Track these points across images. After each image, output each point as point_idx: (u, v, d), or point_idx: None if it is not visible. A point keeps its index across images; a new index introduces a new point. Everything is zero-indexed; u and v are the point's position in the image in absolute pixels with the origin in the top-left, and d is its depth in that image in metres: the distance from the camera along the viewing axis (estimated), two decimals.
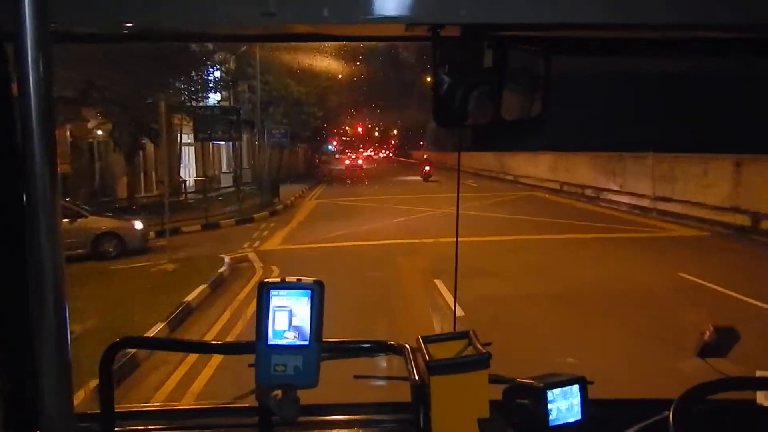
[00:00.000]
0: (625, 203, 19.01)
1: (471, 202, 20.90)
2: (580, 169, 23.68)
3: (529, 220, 16.70)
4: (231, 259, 11.45)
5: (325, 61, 33.75)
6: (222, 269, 10.50)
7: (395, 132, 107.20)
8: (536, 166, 28.88)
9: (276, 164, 40.82)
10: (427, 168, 35.39)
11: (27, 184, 0.66)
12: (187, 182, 28.84)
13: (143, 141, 20.52)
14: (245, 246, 13.44)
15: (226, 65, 27.54)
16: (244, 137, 36.27)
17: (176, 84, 21.44)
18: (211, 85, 24.59)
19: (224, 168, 34.71)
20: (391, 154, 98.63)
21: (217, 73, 25.38)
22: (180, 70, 20.95)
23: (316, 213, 20.26)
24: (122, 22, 1.05)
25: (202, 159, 29.73)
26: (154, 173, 26.27)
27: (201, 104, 24.19)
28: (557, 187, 25.07)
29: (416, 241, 13.21)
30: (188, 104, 23.29)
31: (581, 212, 18.78)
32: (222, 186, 30.72)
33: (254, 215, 19.22)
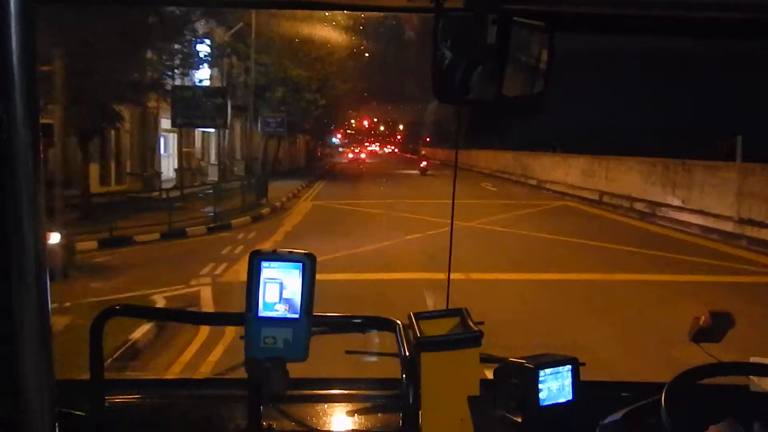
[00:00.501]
0: (694, 224, 15.09)
1: (497, 213, 17.07)
2: (626, 177, 19.82)
3: (582, 245, 12.81)
4: (168, 299, 7.65)
5: (329, 45, 29.93)
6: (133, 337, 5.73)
7: (401, 127, 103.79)
8: (566, 171, 25.01)
9: (272, 156, 37.09)
10: (424, 163, 37.95)
11: (7, 153, 0.63)
12: (165, 174, 25.12)
13: (103, 125, 16.69)
14: (204, 271, 9.61)
15: (215, 38, 23.74)
16: (237, 124, 32.51)
17: (148, 56, 17.60)
18: (194, 60, 20.69)
19: (214, 159, 30.89)
20: (396, 150, 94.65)
21: (202, 47, 21.48)
22: (154, 39, 17.12)
23: (309, 221, 16.39)
24: None
25: (186, 148, 25.90)
26: (128, 163, 22.48)
27: (181, 83, 20.40)
28: (595, 197, 21.18)
29: (447, 276, 9.32)
30: (165, 82, 19.45)
31: (643, 235, 14.87)
32: (209, 180, 26.98)
33: (232, 221, 15.40)
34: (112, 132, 20.38)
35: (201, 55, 21.28)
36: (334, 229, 14.10)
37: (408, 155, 79.82)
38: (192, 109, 19.26)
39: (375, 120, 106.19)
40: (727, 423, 1.24)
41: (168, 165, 25.94)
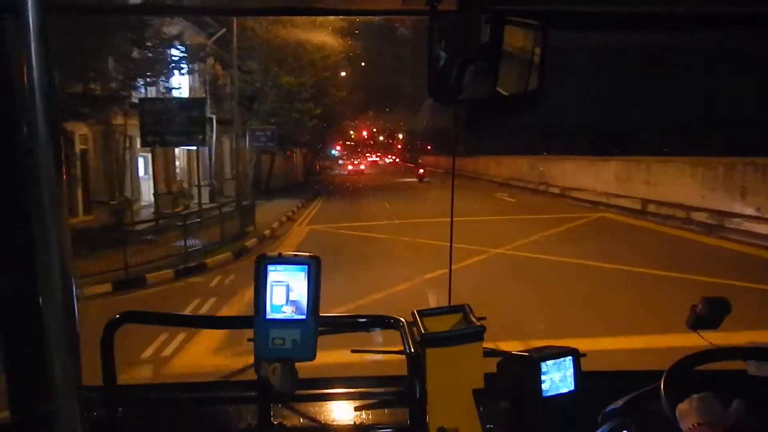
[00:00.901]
0: None
1: (530, 233, 14.04)
2: (673, 182, 16.75)
3: (672, 279, 9.58)
4: None
5: (321, 49, 26.98)
6: None
7: (401, 136, 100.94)
8: (595, 176, 21.97)
9: (266, 173, 34.12)
10: (421, 171, 41.21)
11: (31, 159, 0.64)
12: (147, 199, 22.16)
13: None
14: (147, 353, 6.56)
15: (192, 41, 20.83)
16: (226, 140, 29.54)
17: (104, 63, 14.70)
18: (164, 67, 17.75)
19: (203, 179, 27.93)
20: (397, 160, 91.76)
21: (176, 51, 18.55)
22: (111, 42, 14.22)
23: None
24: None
25: (164, 169, 22.92)
26: (99, 190, 19.51)
27: (153, 95, 17.48)
28: (635, 205, 18.10)
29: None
30: (129, 94, 16.52)
31: (728, 258, 11.72)
32: (196, 203, 24.06)
33: (209, 259, 12.36)
34: (77, 154, 17.47)
35: (174, 60, 18.26)
36: (332, 265, 11.03)
37: (410, 164, 77.09)
38: (164, 124, 16.24)
39: (374, 130, 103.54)
40: (705, 396, 1.23)
41: (149, 189, 22.99)
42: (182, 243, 12.67)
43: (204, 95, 23.37)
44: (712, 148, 17.58)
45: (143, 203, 22.06)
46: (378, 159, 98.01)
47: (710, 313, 1.48)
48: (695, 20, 1.22)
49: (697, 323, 1.49)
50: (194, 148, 27.25)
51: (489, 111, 1.23)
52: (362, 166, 64.04)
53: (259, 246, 14.47)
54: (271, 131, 23.24)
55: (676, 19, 1.23)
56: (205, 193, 25.14)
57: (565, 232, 14.72)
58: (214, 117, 26.44)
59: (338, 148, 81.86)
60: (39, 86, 0.64)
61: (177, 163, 26.85)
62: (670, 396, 1.23)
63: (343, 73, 35.96)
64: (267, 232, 16.24)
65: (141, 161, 23.23)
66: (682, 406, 1.23)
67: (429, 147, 78.39)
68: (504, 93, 1.08)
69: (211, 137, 26.85)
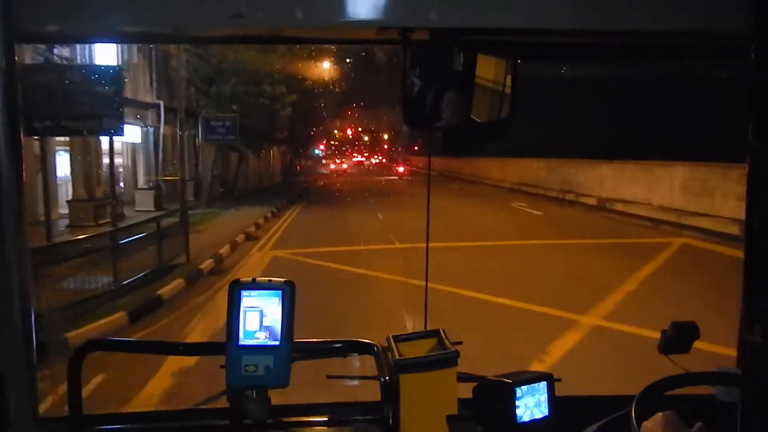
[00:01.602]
0: None
1: (613, 271, 8.85)
2: None
3: None
4: None
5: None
6: None
7: (386, 136, 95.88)
8: (650, 185, 16.80)
9: (233, 173, 28.60)
10: (401, 169, 45.10)
11: None
12: (64, 209, 16.62)
13: None
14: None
15: None
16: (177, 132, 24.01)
17: None
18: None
19: (143, 181, 22.32)
20: (384, 160, 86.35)
21: None
22: None
23: None
24: (87, 24, 1.01)
25: (86, 168, 17.25)
26: None
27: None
28: (730, 229, 12.67)
29: None
30: None
31: None
32: (138, 211, 18.56)
33: (79, 328, 6.89)
34: None
35: None
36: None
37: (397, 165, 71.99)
38: (61, 104, 10.79)
39: (359, 129, 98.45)
40: (670, 414, 1.26)
41: (65, 193, 17.41)
42: (69, 283, 7.24)
43: (122, 67, 17.85)
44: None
45: (61, 212, 16.52)
46: (364, 159, 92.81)
47: (679, 337, 1.48)
48: (666, 52, 1.30)
49: (667, 347, 1.49)
50: (138, 140, 21.75)
51: (463, 137, 1.30)
52: (344, 165, 61.68)
53: (184, 293, 8.94)
54: (231, 121, 17.76)
55: (645, 50, 1.29)
56: (149, 197, 19.65)
57: (663, 274, 9.48)
58: (161, 103, 20.98)
59: (322, 147, 78.01)
60: (3, 116, 0.63)
61: (116, 160, 21.27)
62: (640, 420, 1.23)
63: (326, 64, 30.78)
64: (207, 262, 10.74)
65: (65, 157, 17.69)
66: (647, 424, 1.25)
67: (416, 147, 74.41)
68: (477, 120, 1.11)
69: (158, 128, 21.42)
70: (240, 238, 13.79)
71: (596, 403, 1.62)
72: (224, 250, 12.07)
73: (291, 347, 1.27)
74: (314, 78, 30.93)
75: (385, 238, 13.35)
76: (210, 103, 20.00)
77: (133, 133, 20.21)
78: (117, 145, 21.74)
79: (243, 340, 1.26)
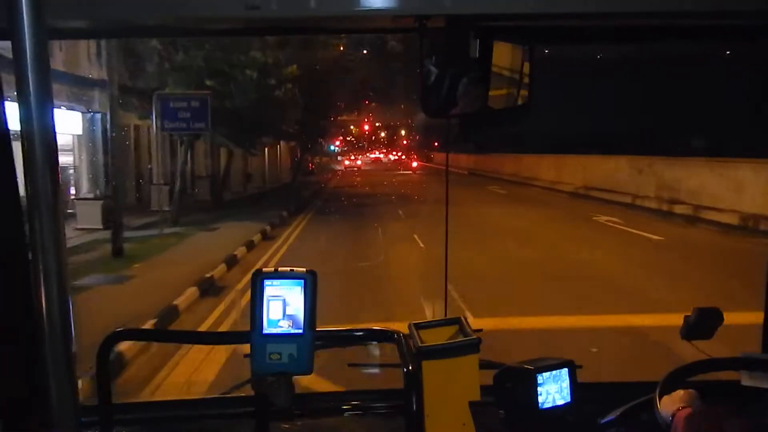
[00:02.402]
0: None
1: None
2: None
3: None
4: None
5: None
6: None
7: (403, 132, 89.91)
8: None
9: (231, 174, 22.82)
10: (415, 165, 49.47)
11: (29, 181, 0.65)
12: None
13: None
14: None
15: None
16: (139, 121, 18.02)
17: None
18: None
19: (86, 188, 16.51)
20: (403, 156, 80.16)
21: None
22: None
23: None
24: (109, 18, 1.03)
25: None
26: None
27: None
28: None
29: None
30: None
31: None
32: (80, 228, 12.89)
33: None
34: None
35: None
36: None
37: (420, 163, 66.06)
38: None
39: (377, 125, 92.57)
40: (690, 391, 1.24)
41: None
42: None
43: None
44: None
45: None
46: (381, 156, 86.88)
47: (703, 324, 1.45)
48: (684, 33, 1.25)
49: (690, 333, 1.46)
50: (77, 131, 15.90)
51: (480, 123, 1.27)
52: (359, 162, 59.95)
53: None
54: (200, 101, 11.89)
55: (663, 32, 1.26)
56: (95, 211, 13.85)
57: None
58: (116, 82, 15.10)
59: (337, 143, 72.75)
60: (37, 112, 0.64)
61: (63, 158, 15.54)
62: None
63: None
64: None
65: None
66: (666, 399, 1.22)
67: (435, 144, 68.82)
68: (494, 107, 1.10)
69: (105, 115, 15.63)
70: (187, 296, 7.83)
71: (618, 390, 1.62)
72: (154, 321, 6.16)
73: (314, 335, 1.27)
74: (326, 59, 25.14)
75: (424, 266, 7.33)
76: (180, 79, 14.08)
77: (70, 121, 14.34)
78: (66, 139, 15.98)
79: (267, 329, 1.26)
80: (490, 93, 1.09)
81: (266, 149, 31.97)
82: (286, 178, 34.28)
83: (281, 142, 34.99)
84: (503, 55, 1.10)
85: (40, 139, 0.65)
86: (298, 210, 18.81)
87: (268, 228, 14.23)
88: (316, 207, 20.45)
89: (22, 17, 0.63)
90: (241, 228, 13.76)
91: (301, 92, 22.56)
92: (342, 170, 52.09)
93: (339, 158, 70.13)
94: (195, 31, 1.40)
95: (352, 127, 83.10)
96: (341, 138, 76.84)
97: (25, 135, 0.65)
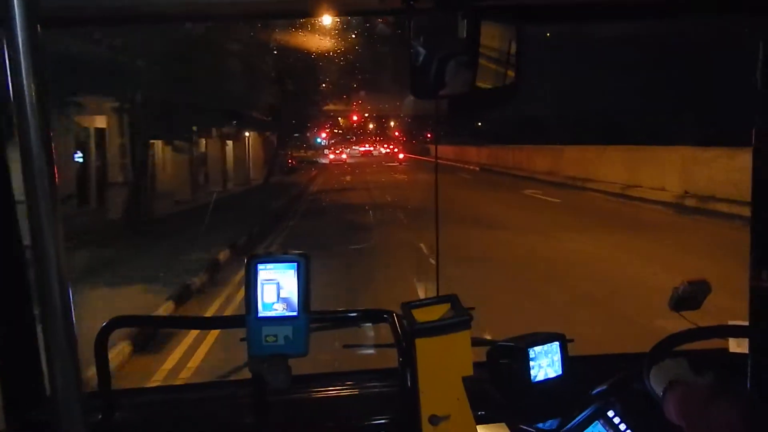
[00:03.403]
0: None
1: None
2: None
3: None
4: None
5: None
6: None
7: (392, 123, 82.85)
8: None
9: (146, 182, 15.23)
10: (401, 156, 51.94)
11: (25, 172, 0.64)
12: None
13: None
14: None
15: None
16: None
17: None
18: None
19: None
20: (395, 149, 72.64)
21: None
22: None
23: None
24: (100, 5, 1.02)
25: None
26: None
27: None
28: None
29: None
30: None
31: None
32: None
33: None
34: None
35: None
36: None
37: (412, 156, 58.86)
38: None
39: (366, 115, 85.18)
40: (677, 360, 1.27)
41: None
42: None
43: None
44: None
45: None
46: (372, 148, 79.59)
47: (691, 295, 1.48)
48: (674, 11, 1.25)
49: (679, 304, 1.49)
50: None
51: (468, 105, 1.24)
52: (344, 156, 57.95)
53: None
54: None
55: (652, 10, 1.25)
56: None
57: None
58: None
59: (324, 135, 65.99)
60: (31, 105, 0.62)
61: None
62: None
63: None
64: None
65: None
66: (656, 369, 1.24)
67: (428, 135, 62.00)
68: (483, 87, 1.09)
69: None
70: None
71: (608, 361, 1.64)
72: None
73: (309, 317, 1.29)
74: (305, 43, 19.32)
75: None
76: None
77: None
78: None
79: (262, 312, 1.27)
80: (479, 73, 1.05)
81: (229, 142, 24.47)
82: (258, 177, 26.82)
83: (249, 133, 27.50)
84: (491, 35, 1.07)
85: (36, 132, 0.63)
86: (257, 238, 11.49)
87: (180, 291, 6.87)
88: (286, 230, 13.04)
89: (14, 5, 0.61)
90: (125, 295, 6.45)
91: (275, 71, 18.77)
92: (328, 164, 47.48)
93: (326, 152, 64.41)
94: (180, 18, 1.26)
95: (340, 118, 76.41)
96: (328, 130, 70.55)
97: (21, 128, 0.63)
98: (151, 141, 15.62)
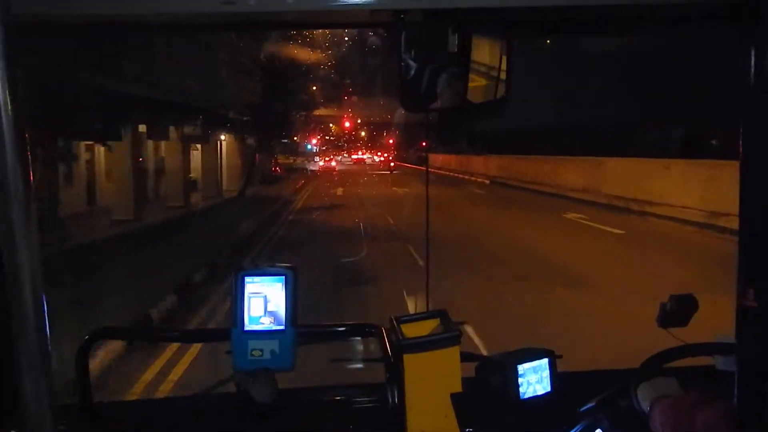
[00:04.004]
0: None
1: None
2: None
3: None
4: None
5: None
6: None
7: (384, 133, 78.75)
8: None
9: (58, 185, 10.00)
10: (392, 164, 48.39)
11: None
12: None
13: None
14: None
15: None
16: None
17: None
18: None
19: None
20: (390, 157, 68.26)
21: None
22: None
23: None
24: (78, 12, 0.96)
25: None
26: None
27: None
28: None
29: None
30: None
31: None
32: None
33: None
34: None
35: None
36: None
37: (408, 165, 54.93)
38: None
39: (359, 121, 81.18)
40: (664, 378, 1.25)
41: None
42: None
43: None
44: None
45: None
46: (365, 156, 75.71)
47: (678, 311, 1.46)
48: (663, 24, 1.26)
49: (667, 321, 1.46)
50: None
51: (459, 118, 1.21)
52: (333, 163, 56.18)
53: None
54: None
55: (641, 24, 1.26)
56: None
57: None
58: None
59: (314, 141, 62.52)
60: (6, 115, 0.61)
61: None
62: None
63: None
64: None
65: None
66: (644, 386, 1.23)
67: (423, 143, 58.06)
68: (473, 101, 1.09)
69: None
70: None
71: (597, 378, 1.62)
72: None
73: (296, 331, 1.27)
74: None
75: None
76: None
77: None
78: None
79: (248, 326, 1.25)
80: (470, 87, 1.06)
81: (197, 146, 19.97)
82: (234, 188, 22.32)
83: (225, 136, 23.03)
84: (482, 49, 1.07)
85: (10, 135, 0.61)
86: (196, 293, 7.11)
87: None
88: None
89: None
90: None
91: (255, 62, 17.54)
92: (318, 173, 44.60)
93: (316, 159, 61.60)
94: (170, 27, 1.25)
95: (332, 125, 72.56)
96: (320, 136, 66.81)
97: None
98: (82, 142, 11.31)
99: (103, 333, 1.47)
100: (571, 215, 14.83)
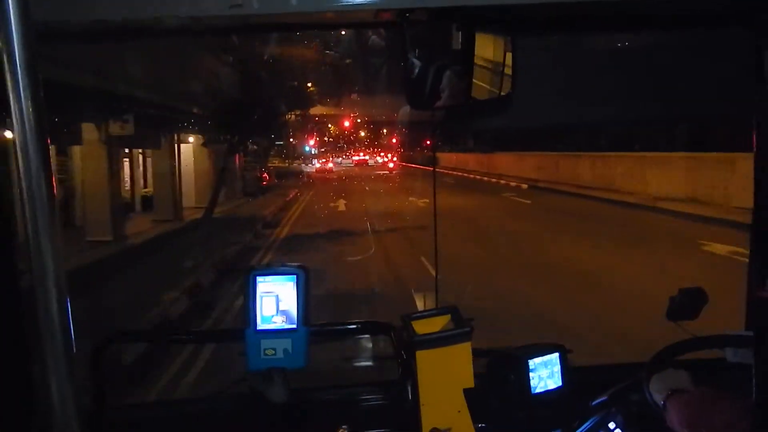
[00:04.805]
0: None
1: None
2: None
3: None
4: None
5: None
6: None
7: (385, 131, 73.18)
8: None
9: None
10: (391, 165, 48.60)
11: (23, 184, 0.62)
12: None
13: None
14: None
15: None
16: None
17: None
18: None
19: None
20: (395, 158, 62.40)
21: None
22: None
23: None
24: (94, 18, 0.97)
25: None
26: None
27: None
28: None
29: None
30: None
31: None
32: None
33: None
34: None
35: None
36: None
37: (414, 165, 49.59)
38: None
39: (359, 121, 75.59)
40: (676, 371, 1.23)
41: None
42: None
43: None
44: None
45: None
46: (367, 157, 70.25)
47: (687, 304, 1.43)
48: (667, 21, 1.21)
49: (676, 314, 1.44)
50: None
51: (464, 115, 1.19)
52: (329, 165, 53.46)
53: None
54: None
55: (644, 20, 1.21)
56: None
57: None
58: None
59: (312, 143, 57.68)
60: (29, 118, 0.61)
61: None
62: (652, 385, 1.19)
63: None
64: None
65: None
66: (655, 379, 1.20)
67: (428, 142, 52.54)
68: (478, 98, 1.06)
69: None
70: None
71: (608, 372, 1.60)
72: None
73: (308, 330, 1.25)
74: None
75: None
76: None
77: None
78: None
79: (261, 325, 1.23)
80: (474, 84, 1.03)
81: (138, 152, 14.14)
82: (202, 202, 16.53)
83: (190, 138, 17.23)
84: (486, 46, 1.05)
85: (34, 141, 0.62)
86: None
87: None
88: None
89: (10, 19, 0.59)
90: None
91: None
92: (314, 177, 39.93)
93: (314, 161, 59.96)
94: (177, 31, 1.27)
95: (330, 125, 67.35)
96: (317, 137, 61.59)
97: (19, 137, 0.62)
98: None
99: (116, 336, 1.47)
100: (716, 248, 9.06)
